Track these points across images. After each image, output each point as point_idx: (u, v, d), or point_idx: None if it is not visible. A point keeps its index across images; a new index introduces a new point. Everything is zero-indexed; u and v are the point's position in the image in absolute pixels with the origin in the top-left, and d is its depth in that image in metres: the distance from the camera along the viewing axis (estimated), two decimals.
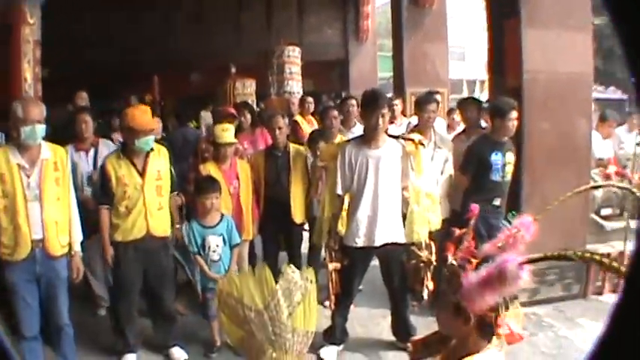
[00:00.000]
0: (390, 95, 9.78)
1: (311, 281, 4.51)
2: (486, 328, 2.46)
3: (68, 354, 5.22)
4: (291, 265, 4.59)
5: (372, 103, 5.49)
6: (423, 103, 6.97)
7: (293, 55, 13.85)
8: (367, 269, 5.92)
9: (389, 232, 5.62)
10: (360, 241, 5.63)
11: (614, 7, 1.31)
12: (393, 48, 13.76)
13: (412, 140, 5.71)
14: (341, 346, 6.01)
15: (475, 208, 2.93)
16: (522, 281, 2.19)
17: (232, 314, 4.29)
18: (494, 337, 2.48)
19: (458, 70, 29.45)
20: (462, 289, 2.38)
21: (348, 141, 5.92)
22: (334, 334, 5.95)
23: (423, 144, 5.80)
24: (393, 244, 5.64)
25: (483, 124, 7.20)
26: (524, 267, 2.19)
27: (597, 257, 2.07)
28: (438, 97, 7.72)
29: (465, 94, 18.03)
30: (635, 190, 3.13)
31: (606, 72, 27.19)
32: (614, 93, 27.80)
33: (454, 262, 2.56)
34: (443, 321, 2.61)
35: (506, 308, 2.45)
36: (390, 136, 5.77)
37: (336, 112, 7.74)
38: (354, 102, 7.69)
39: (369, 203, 5.58)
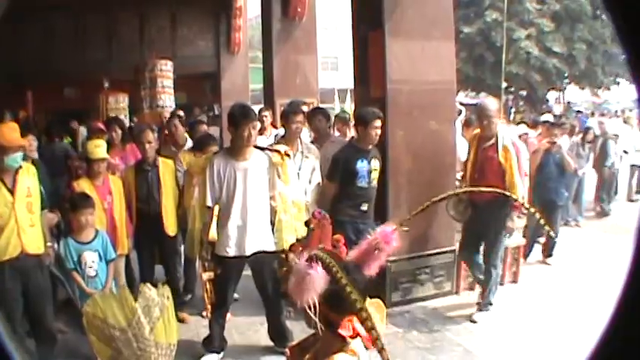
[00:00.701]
0: (260, 107, 9.96)
1: (167, 297, 4.80)
2: (332, 327, 2.57)
3: None
4: (147, 284, 4.74)
5: (241, 116, 5.59)
6: (289, 114, 7.15)
7: (165, 69, 13.82)
8: (240, 278, 6.05)
9: (259, 241, 5.78)
10: (231, 251, 5.75)
11: (614, 6, 1.31)
12: (264, 60, 14.03)
13: (278, 152, 5.89)
14: (221, 354, 6.12)
15: (318, 213, 3.10)
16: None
17: (99, 334, 4.46)
18: (352, 338, 2.59)
19: (331, 80, 29.94)
20: (287, 284, 2.52)
21: (216, 153, 6.02)
22: (213, 343, 6.05)
23: (288, 155, 5.98)
24: (263, 252, 5.82)
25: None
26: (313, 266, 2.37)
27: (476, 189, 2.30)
28: (305, 107, 7.92)
29: (337, 103, 18.30)
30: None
31: (477, 78, 28.20)
32: (485, 99, 28.81)
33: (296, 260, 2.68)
34: (306, 321, 2.66)
35: (355, 311, 2.44)
36: (257, 147, 5.90)
37: (205, 126, 7.86)
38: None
39: (238, 214, 5.71)
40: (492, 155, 6.77)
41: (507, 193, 6.18)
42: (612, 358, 1.38)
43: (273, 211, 5.87)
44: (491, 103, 6.56)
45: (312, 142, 7.43)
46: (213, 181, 5.69)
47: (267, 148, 6.09)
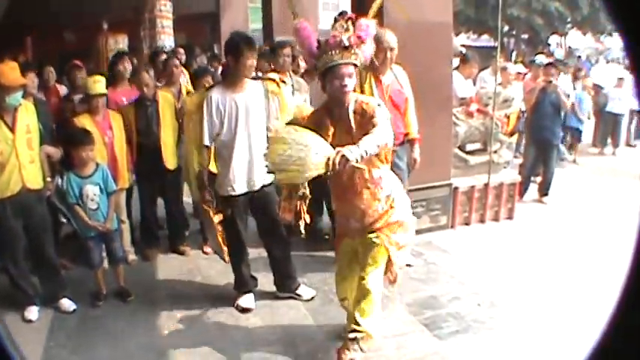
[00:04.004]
0: (260, 45, 9.96)
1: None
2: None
3: None
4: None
5: (244, 45, 5.38)
6: (277, 47, 7.21)
7: (165, 10, 13.69)
8: (248, 214, 5.91)
9: (264, 173, 5.30)
10: (240, 188, 5.57)
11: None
12: None
13: (273, 80, 5.79)
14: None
15: None
16: None
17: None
18: None
19: (331, 20, 29.63)
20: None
21: (210, 88, 5.77)
22: (244, 284, 5.99)
23: (284, 81, 5.97)
24: (268, 185, 5.68)
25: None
26: None
27: None
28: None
29: None
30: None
31: (479, 20, 27.95)
32: (487, 42, 28.66)
33: None
34: None
35: None
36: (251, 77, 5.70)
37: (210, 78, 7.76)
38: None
39: (244, 148, 5.50)
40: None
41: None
42: (612, 357, 1.39)
43: None
44: (390, 36, 6.35)
45: (301, 75, 7.43)
46: (212, 117, 5.44)
47: (260, 78, 5.98)
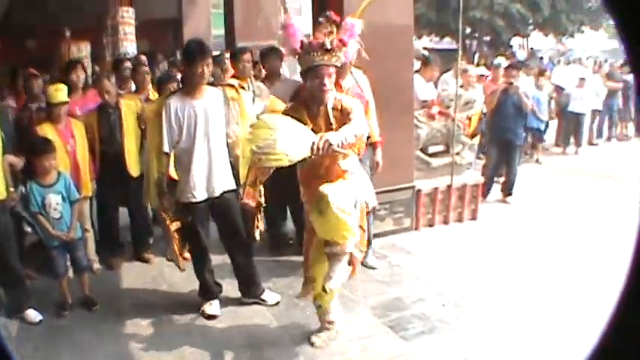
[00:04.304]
0: (221, 51, 9.97)
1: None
2: None
3: None
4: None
5: (197, 53, 5.39)
6: (237, 54, 7.22)
7: (127, 16, 13.55)
8: (209, 221, 5.91)
9: (224, 180, 5.62)
10: (200, 195, 5.55)
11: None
12: (225, 4, 14.00)
13: (232, 86, 5.84)
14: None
15: None
16: None
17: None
18: None
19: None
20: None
21: (169, 95, 5.72)
22: (209, 290, 5.99)
23: (243, 87, 5.99)
24: (228, 191, 5.68)
25: None
26: None
27: None
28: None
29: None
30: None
31: (440, 23, 28.12)
32: (449, 44, 28.82)
33: None
34: None
35: None
36: (209, 84, 5.72)
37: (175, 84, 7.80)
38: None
39: (203, 155, 5.50)
40: None
41: None
42: (612, 357, 1.38)
43: (231, 148, 5.68)
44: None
45: (262, 81, 7.45)
46: (170, 124, 5.44)
47: (220, 84, 6.00)
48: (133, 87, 8.19)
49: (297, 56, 4.65)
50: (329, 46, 4.49)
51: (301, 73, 4.75)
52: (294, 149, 4.16)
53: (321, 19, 4.68)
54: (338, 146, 4.24)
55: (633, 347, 1.32)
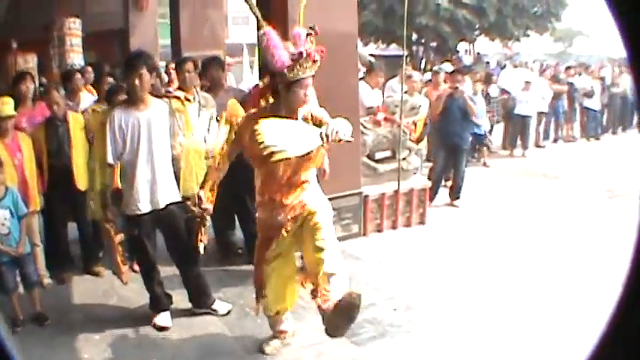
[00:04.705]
0: (167, 61, 9.97)
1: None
2: None
3: None
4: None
5: (128, 65, 5.46)
6: (179, 64, 7.15)
7: (74, 27, 13.48)
8: (155, 233, 5.91)
9: (168, 192, 5.62)
10: (144, 207, 5.54)
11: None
12: (171, 14, 14.03)
13: (178, 98, 5.86)
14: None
15: None
16: None
17: None
18: None
19: (241, 34, 29.74)
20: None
21: (114, 106, 5.74)
22: (159, 302, 5.96)
23: (189, 99, 6.00)
24: (173, 203, 5.67)
25: None
26: None
27: None
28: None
29: (246, 57, 18.31)
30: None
31: (387, 30, 28.26)
32: (396, 50, 29.03)
33: None
34: None
35: None
36: (155, 95, 5.75)
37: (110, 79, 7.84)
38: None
39: (147, 166, 5.48)
40: None
41: None
42: (612, 357, 1.36)
43: (176, 160, 5.66)
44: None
45: (206, 90, 7.45)
46: (114, 136, 5.44)
47: (166, 95, 6.03)
48: (90, 98, 8.16)
49: (286, 68, 4.57)
50: (317, 58, 4.61)
51: (285, 84, 4.61)
52: (300, 143, 4.45)
53: (310, 30, 4.73)
54: (344, 135, 4.40)
55: (633, 350, 1.32)
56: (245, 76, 16.82)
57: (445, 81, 11.56)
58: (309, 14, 7.22)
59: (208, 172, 5.17)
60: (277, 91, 4.70)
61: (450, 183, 10.54)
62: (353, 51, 8.23)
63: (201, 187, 5.11)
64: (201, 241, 5.47)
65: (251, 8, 4.92)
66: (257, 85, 6.65)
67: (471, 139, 11.05)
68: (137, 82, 5.38)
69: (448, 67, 15.34)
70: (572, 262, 7.15)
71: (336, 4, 7.62)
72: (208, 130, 6.78)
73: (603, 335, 1.33)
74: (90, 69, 10.38)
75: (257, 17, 4.88)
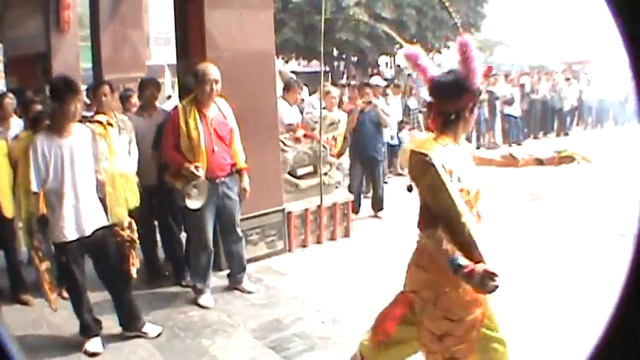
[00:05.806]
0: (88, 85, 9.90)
1: None
2: None
3: None
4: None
5: (67, 91, 5.34)
6: (95, 88, 7.13)
7: None
8: (84, 259, 5.81)
9: (95, 217, 5.58)
10: (70, 235, 5.46)
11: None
12: (92, 36, 13.87)
13: (100, 122, 5.88)
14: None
15: None
16: None
17: None
18: None
19: (163, 55, 29.53)
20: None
21: (36, 133, 5.67)
22: (89, 329, 5.88)
23: (111, 124, 6.00)
24: (100, 228, 5.62)
25: None
26: None
27: None
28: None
29: (167, 77, 18.19)
30: None
31: (308, 47, 28.50)
32: (318, 67, 29.29)
33: None
34: None
35: None
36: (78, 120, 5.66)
37: (39, 106, 7.74)
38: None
39: (71, 193, 5.43)
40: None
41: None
42: (612, 358, 1.38)
43: (101, 185, 5.65)
44: (213, 69, 6.62)
45: (141, 110, 7.41)
46: (38, 164, 5.36)
47: (87, 120, 6.01)
48: (20, 124, 8.09)
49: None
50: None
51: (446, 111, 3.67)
52: None
53: None
54: None
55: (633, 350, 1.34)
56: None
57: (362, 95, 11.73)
58: (227, 35, 7.39)
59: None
60: (447, 118, 3.65)
61: (370, 195, 10.71)
62: (271, 69, 8.35)
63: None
64: (132, 264, 5.48)
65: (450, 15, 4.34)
66: (176, 106, 6.72)
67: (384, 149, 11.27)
68: (72, 108, 5.35)
69: (378, 80, 15.59)
70: (508, 270, 7.30)
71: (253, 24, 7.71)
72: (129, 152, 6.79)
73: (602, 335, 1.37)
74: (11, 95, 10.27)
75: (455, 23, 4.17)
